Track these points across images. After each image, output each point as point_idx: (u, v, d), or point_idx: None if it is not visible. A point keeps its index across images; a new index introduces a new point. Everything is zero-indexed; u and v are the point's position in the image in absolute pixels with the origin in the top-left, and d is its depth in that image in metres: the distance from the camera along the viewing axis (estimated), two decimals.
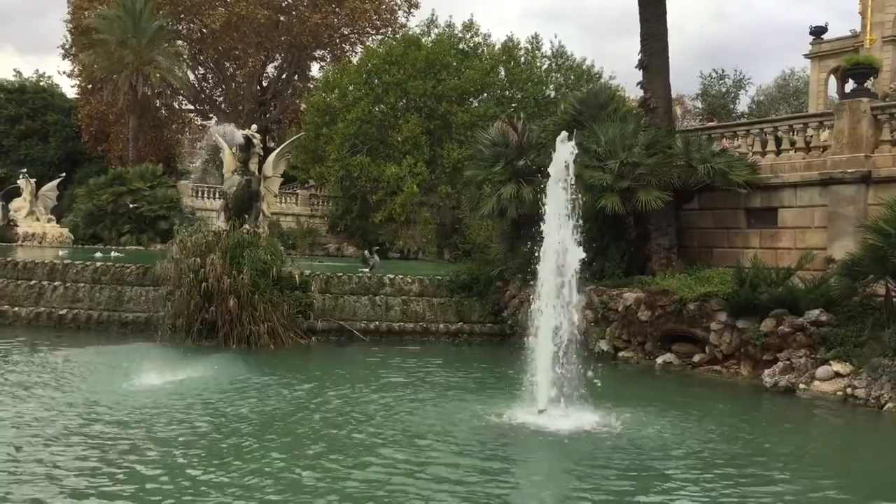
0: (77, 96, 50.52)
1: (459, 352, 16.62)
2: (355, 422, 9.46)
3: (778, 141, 17.93)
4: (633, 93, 31.89)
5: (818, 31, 40.71)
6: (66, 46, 49.96)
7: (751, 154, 18.15)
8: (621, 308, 15.63)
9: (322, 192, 42.11)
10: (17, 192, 34.31)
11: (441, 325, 17.68)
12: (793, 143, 17.64)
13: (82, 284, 17.29)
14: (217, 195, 35.74)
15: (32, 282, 17.43)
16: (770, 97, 59.04)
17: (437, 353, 15.85)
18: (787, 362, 13.01)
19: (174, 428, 8.83)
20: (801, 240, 16.72)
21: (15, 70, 72.99)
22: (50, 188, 34.96)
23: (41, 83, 55.84)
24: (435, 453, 8.15)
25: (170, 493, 6.76)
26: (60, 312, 16.69)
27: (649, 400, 11.63)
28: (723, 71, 57.49)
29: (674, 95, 20.98)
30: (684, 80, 73.09)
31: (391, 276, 18.46)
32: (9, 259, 18.66)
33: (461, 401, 10.94)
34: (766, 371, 13.09)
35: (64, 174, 39.07)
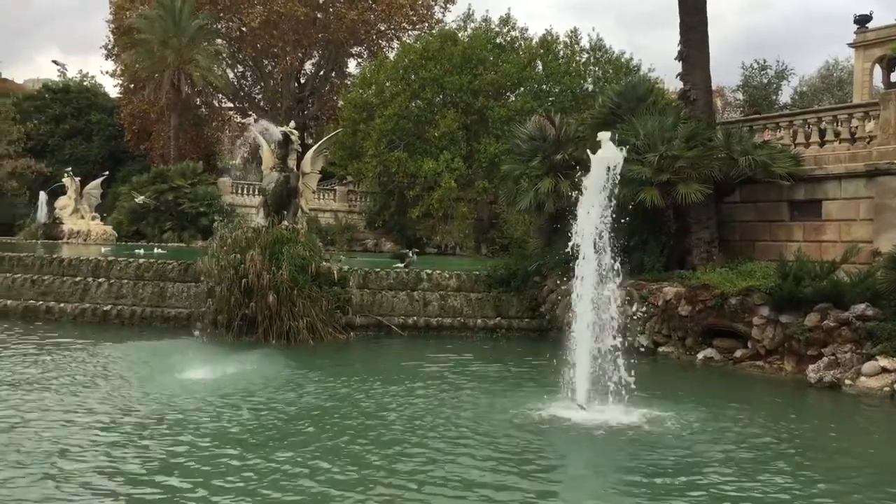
0: (119, 95, 51.47)
1: (497, 347, 16.57)
2: (393, 416, 9.47)
3: (822, 132, 17.60)
4: (673, 85, 31.60)
5: (863, 20, 39.86)
6: (109, 46, 50.93)
7: (794, 146, 17.85)
8: (661, 303, 15.47)
9: (360, 188, 42.38)
10: (62, 191, 35.07)
11: (479, 320, 17.63)
12: (837, 134, 17.31)
13: (126, 281, 17.57)
14: (256, 192, 36.08)
15: (77, 278, 17.76)
16: (813, 88, 58.02)
17: (474, 348, 15.83)
18: (832, 357, 12.76)
19: (217, 422, 8.93)
20: (846, 232, 16.41)
21: (59, 70, 74.57)
22: (94, 186, 35.66)
23: (85, 83, 57.04)
24: (473, 450, 8.10)
25: (203, 483, 6.85)
26: (105, 308, 16.96)
27: (691, 396, 11.48)
28: (764, 61, 56.66)
29: (714, 87, 20.68)
30: (725, 72, 72.30)
31: (428, 271, 18.47)
32: (55, 256, 19.04)
33: (500, 396, 10.91)
34: (811, 366, 12.85)
35: (107, 172, 39.81)
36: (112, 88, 54.09)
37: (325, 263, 16.57)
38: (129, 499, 6.53)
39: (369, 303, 17.28)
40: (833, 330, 12.98)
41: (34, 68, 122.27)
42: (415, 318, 17.28)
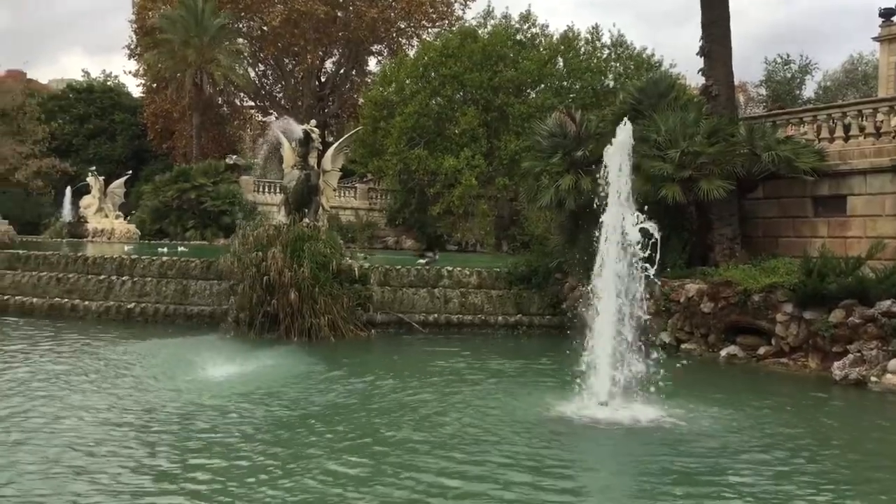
0: (142, 95, 51.91)
1: (518, 344, 16.56)
2: (413, 414, 9.49)
3: (846, 127, 17.40)
4: (695, 81, 31.35)
5: (888, 13, 39.40)
6: (132, 46, 51.35)
7: (818, 141, 17.67)
8: (683, 299, 15.37)
9: (380, 185, 42.42)
10: (86, 190, 35.42)
11: (500, 318, 17.63)
12: (862, 129, 17.10)
13: (149, 279, 17.72)
14: (277, 190, 36.24)
15: (102, 276, 17.94)
16: (837, 82, 57.30)
17: (495, 346, 15.83)
18: (858, 354, 12.63)
19: (239, 418, 8.99)
20: (871, 228, 16.22)
21: (83, 70, 75.56)
22: (118, 185, 36.00)
23: (108, 83, 57.53)
24: (494, 448, 8.09)
25: (224, 481, 6.89)
26: (129, 306, 17.13)
27: (715, 393, 11.39)
28: (788, 56, 56.01)
29: (736, 82, 20.50)
30: (747, 67, 71.60)
31: (449, 268, 18.48)
32: (79, 254, 19.24)
33: (521, 393, 10.90)
34: (836, 363, 12.72)
35: (131, 171, 40.16)
36: (135, 88, 54.65)
37: (346, 261, 16.63)
38: (151, 496, 6.58)
39: (390, 300, 17.32)
40: (858, 326, 12.85)
41: (58, 68, 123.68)
42: (436, 315, 17.30)
